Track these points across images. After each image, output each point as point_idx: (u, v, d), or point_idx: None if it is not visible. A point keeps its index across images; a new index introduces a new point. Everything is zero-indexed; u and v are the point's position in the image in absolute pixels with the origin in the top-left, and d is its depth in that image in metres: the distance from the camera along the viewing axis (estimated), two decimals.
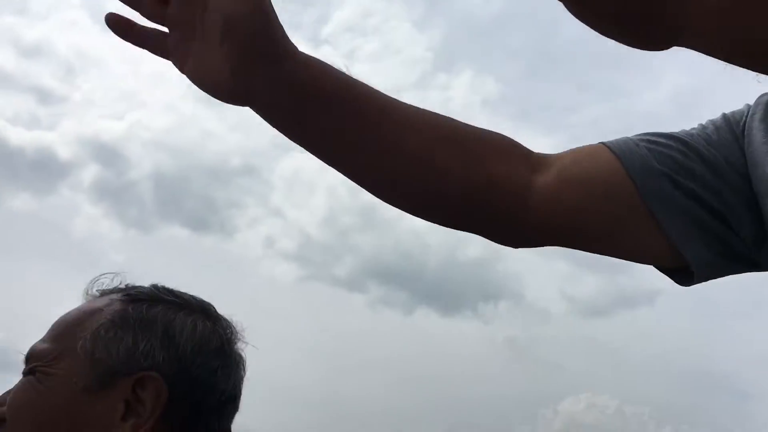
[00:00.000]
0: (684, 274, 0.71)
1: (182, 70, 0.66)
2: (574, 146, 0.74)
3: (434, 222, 0.75)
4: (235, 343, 0.73)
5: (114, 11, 0.68)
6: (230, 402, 0.71)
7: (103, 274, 0.77)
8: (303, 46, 0.69)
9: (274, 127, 0.70)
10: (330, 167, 0.72)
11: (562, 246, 0.75)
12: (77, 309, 0.73)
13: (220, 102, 0.68)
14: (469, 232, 0.76)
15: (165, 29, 0.67)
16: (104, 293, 0.75)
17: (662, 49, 0.42)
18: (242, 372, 0.73)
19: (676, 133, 0.71)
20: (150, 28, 0.68)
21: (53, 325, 0.73)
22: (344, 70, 0.69)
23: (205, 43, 0.64)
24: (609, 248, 0.73)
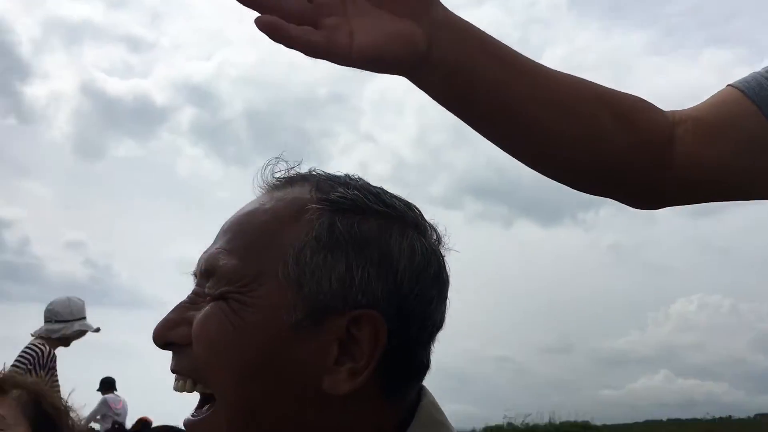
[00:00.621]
0: None
1: (348, 56, 0.61)
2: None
3: (577, 187, 0.73)
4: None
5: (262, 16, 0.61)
6: (438, 331, 0.61)
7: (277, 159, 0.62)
8: None
9: (444, 95, 0.66)
10: (492, 140, 0.69)
11: (702, 202, 0.73)
12: (263, 210, 0.59)
13: None
14: (607, 196, 0.73)
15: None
16: (289, 182, 0.61)
17: None
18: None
19: None
20: (300, 27, 0.61)
21: (235, 230, 0.59)
22: None
23: (367, 13, 0.62)
24: (757, 196, 0.71)
